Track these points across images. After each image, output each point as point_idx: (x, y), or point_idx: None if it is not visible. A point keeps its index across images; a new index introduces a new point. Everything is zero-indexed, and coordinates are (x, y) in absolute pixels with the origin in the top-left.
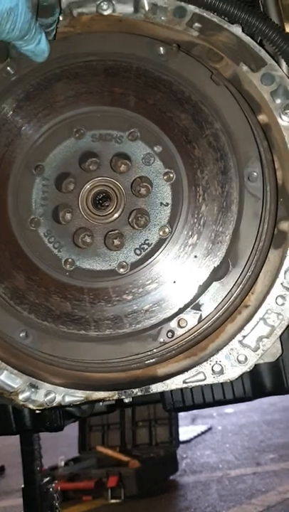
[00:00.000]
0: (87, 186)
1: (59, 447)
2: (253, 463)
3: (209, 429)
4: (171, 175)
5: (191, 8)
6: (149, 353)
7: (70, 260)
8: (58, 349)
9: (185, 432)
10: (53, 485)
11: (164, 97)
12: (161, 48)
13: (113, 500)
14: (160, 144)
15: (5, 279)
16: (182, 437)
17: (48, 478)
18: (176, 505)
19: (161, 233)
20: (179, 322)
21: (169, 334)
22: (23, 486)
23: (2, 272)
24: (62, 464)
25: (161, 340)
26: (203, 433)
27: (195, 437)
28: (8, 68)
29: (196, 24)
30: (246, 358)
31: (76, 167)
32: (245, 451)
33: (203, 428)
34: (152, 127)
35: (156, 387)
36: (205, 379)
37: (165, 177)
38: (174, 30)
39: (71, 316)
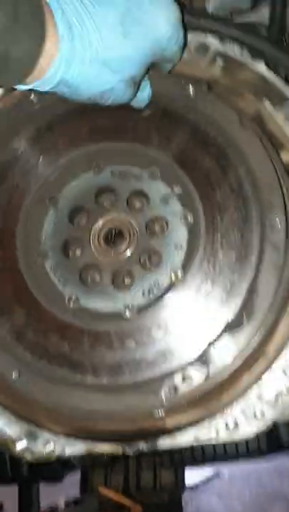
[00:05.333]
0: (101, 222)
1: (59, 484)
2: None
3: (216, 474)
4: (189, 218)
5: (214, 44)
6: (152, 406)
7: (74, 297)
8: (51, 393)
9: (191, 476)
10: None
11: (188, 138)
12: (190, 87)
13: None
14: (180, 185)
15: (5, 313)
16: (188, 481)
17: None
18: None
19: (173, 276)
20: (184, 377)
21: (172, 390)
22: None
23: (3, 305)
24: (63, 505)
25: (164, 395)
26: (209, 479)
27: (201, 482)
28: (32, 97)
29: (219, 62)
30: (263, 414)
31: (91, 201)
32: (253, 499)
33: (210, 473)
34: (174, 167)
35: (165, 443)
36: (218, 435)
37: (182, 219)
38: (198, 68)
39: (68, 358)
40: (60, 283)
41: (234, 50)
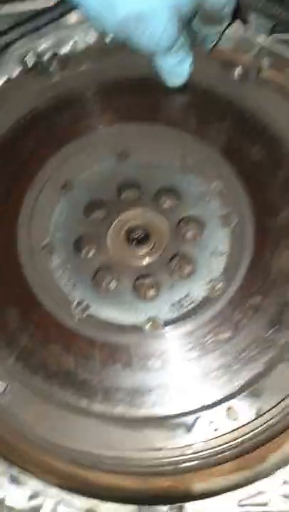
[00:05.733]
0: (122, 218)
1: None
2: None
3: None
4: (232, 218)
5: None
6: (178, 452)
7: (83, 304)
8: (46, 419)
9: None
10: None
11: (232, 126)
12: (236, 71)
13: None
14: (221, 180)
15: None
16: None
17: None
18: None
19: (209, 288)
20: (228, 411)
21: (212, 427)
22: None
23: None
24: None
25: (199, 434)
26: None
27: None
28: (52, 69)
29: (266, 58)
30: None
31: (112, 194)
32: None
33: None
34: (213, 159)
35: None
36: (269, 503)
37: (223, 220)
38: (244, 56)
39: (72, 376)
40: (68, 284)
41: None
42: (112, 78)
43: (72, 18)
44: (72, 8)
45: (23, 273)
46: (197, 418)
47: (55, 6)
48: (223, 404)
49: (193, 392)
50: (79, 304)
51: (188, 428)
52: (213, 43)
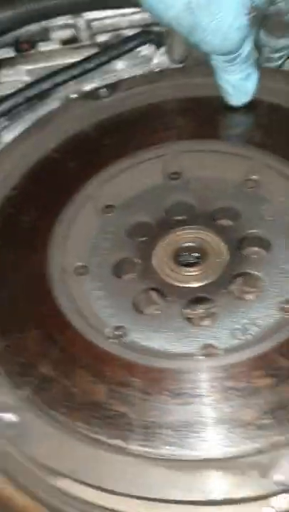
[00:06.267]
0: (170, 240)
1: None
2: None
3: None
4: None
5: None
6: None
7: (122, 329)
8: (64, 461)
9: None
10: None
11: None
12: None
13: None
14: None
15: (13, 331)
16: None
17: None
18: None
19: (279, 311)
20: None
21: None
22: None
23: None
24: None
25: (279, 478)
26: None
27: None
28: (102, 91)
29: None
30: None
31: (160, 216)
32: None
33: None
34: (280, 172)
35: None
36: None
37: None
38: None
39: (103, 408)
40: (104, 308)
41: None
42: (162, 99)
43: (119, 64)
44: (119, 54)
45: (52, 294)
46: (276, 461)
47: (104, 50)
48: None
49: (268, 428)
50: (117, 328)
51: (262, 473)
52: (283, 60)
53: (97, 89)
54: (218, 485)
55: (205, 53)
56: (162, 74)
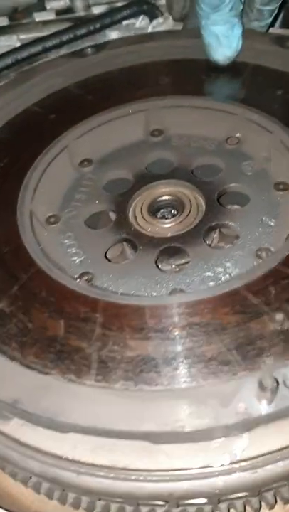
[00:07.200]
0: (147, 192)
1: None
2: None
3: None
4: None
5: None
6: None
7: (89, 275)
8: (8, 390)
9: None
10: None
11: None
12: None
13: None
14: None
15: None
16: None
17: None
18: None
19: (257, 257)
20: None
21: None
22: None
23: None
24: None
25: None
26: None
27: None
28: (88, 50)
29: None
30: None
31: (140, 171)
32: None
33: None
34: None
35: None
36: None
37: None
38: None
39: (59, 343)
40: (74, 255)
41: None
42: (148, 60)
43: (113, 35)
44: (112, 22)
45: (20, 239)
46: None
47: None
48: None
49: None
50: (84, 274)
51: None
52: (267, 23)
53: (83, 48)
54: (174, 414)
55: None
56: (149, 36)
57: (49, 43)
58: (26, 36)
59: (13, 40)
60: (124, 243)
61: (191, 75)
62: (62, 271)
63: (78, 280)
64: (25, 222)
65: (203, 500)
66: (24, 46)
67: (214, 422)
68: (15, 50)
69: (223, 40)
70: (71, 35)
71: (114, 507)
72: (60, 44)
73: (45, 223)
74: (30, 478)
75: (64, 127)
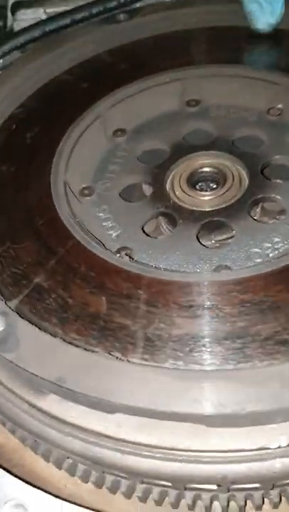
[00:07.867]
0: (185, 163)
1: None
2: None
3: None
4: None
5: None
6: None
7: (127, 249)
8: (50, 367)
9: None
10: None
11: None
12: None
13: None
14: None
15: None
16: None
17: None
18: None
19: None
20: None
21: None
22: None
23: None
24: None
25: None
26: None
27: None
28: (121, 16)
29: None
30: None
31: (177, 142)
32: None
33: None
34: None
35: None
36: None
37: None
38: None
39: (102, 320)
40: (112, 229)
41: None
42: (184, 26)
43: None
44: None
45: (54, 210)
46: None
47: None
48: None
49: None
50: (123, 248)
51: None
52: None
53: (115, 14)
54: (232, 396)
55: None
56: (184, 1)
57: (78, 16)
58: (53, 10)
59: (39, 13)
60: (160, 217)
61: (228, 42)
62: (100, 245)
63: (118, 255)
64: (59, 194)
65: (256, 485)
66: (52, 18)
67: (276, 405)
68: (43, 22)
69: (267, 7)
70: (101, 8)
71: (156, 491)
72: (89, 16)
73: (79, 195)
74: (68, 458)
75: (97, 96)
